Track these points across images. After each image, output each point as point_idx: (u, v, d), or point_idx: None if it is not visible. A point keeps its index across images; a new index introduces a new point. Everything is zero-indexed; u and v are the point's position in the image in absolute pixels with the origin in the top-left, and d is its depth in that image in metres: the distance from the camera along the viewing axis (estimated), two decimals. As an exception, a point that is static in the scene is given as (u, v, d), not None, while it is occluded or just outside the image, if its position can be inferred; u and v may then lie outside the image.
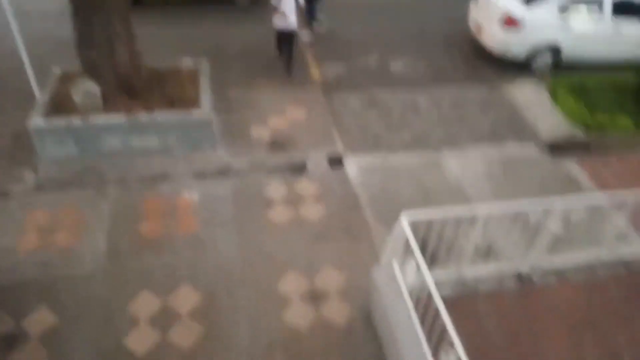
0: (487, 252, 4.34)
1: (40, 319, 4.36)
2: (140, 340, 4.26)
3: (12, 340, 4.21)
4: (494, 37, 8.21)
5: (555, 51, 8.13)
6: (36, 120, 5.64)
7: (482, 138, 6.87)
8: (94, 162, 5.81)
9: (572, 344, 4.15)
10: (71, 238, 5.08)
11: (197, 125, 5.98)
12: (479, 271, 4.50)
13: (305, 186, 5.89)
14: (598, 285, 4.63)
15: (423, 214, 3.89)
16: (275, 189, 5.82)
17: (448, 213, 3.97)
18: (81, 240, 5.07)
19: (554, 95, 7.67)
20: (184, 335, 4.30)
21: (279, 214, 5.52)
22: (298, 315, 4.52)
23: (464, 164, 6.40)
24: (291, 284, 4.79)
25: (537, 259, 4.54)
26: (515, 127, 7.10)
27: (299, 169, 6.10)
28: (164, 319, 4.42)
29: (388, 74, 8.09)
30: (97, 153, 5.84)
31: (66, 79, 6.18)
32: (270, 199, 5.69)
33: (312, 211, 5.58)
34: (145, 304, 4.52)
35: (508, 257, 4.78)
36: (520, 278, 4.61)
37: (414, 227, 3.82)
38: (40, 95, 6.06)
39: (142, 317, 4.42)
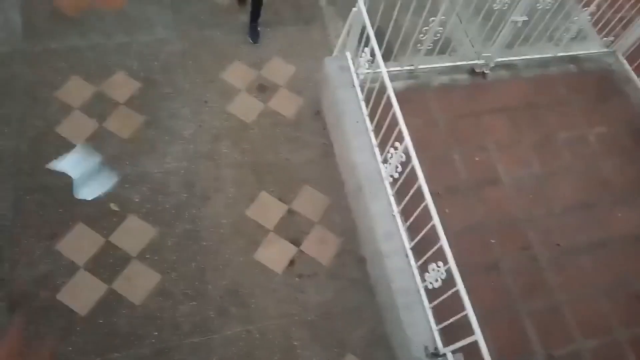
0: (443, 46, 4.10)
1: (-43, 104, 3.97)
2: (73, 128, 4.00)
3: None
4: None
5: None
6: None
7: None
8: None
9: (512, 131, 4.31)
10: (-24, 12, 4.35)
11: None
12: (432, 64, 4.35)
13: (252, -39, 5.11)
14: (547, 81, 4.64)
15: (383, -2, 3.50)
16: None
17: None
18: (-11, 15, 4.36)
19: None
20: (123, 124, 4.08)
21: (223, -8, 4.88)
22: (245, 106, 4.34)
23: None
24: (237, 74, 4.48)
25: (493, 54, 4.39)
26: None
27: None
28: (100, 107, 4.12)
29: None
30: None
31: None
32: (210, -26, 4.94)
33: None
34: (76, 91, 4.15)
35: (464, 51, 4.61)
36: (474, 72, 4.52)
37: (373, 8, 3.47)
38: None
39: (75, 104, 4.09)
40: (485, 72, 4.51)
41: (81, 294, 3.43)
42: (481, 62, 4.46)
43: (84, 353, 3.26)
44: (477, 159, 4.17)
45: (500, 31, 4.20)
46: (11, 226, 3.58)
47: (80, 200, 3.70)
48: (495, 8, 3.98)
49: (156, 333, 3.37)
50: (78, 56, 4.30)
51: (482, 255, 3.77)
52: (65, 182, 3.77)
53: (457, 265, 2.76)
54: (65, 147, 3.90)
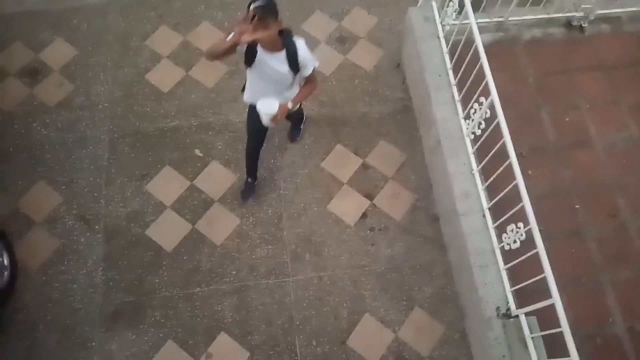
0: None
1: (58, 51, 4.28)
2: (162, 76, 4.20)
3: (35, 72, 4.20)
4: None
5: None
6: None
7: None
8: None
9: (609, 90, 3.98)
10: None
11: None
12: (524, 16, 4.06)
13: None
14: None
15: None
16: None
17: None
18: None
19: None
20: (208, 73, 4.22)
21: (305, -60, 4.78)
22: (324, 58, 4.30)
23: None
24: (317, 25, 4.45)
25: (594, 5, 4.01)
26: None
27: None
28: (186, 56, 4.28)
29: None
30: None
31: None
32: None
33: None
34: (164, 40, 4.32)
35: (560, 2, 4.25)
36: (570, 26, 4.17)
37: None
38: None
39: (163, 53, 4.28)
40: (584, 25, 4.15)
41: (167, 232, 3.69)
42: (580, 14, 4.09)
43: (169, 285, 3.54)
44: (567, 119, 3.90)
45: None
46: (107, 166, 3.88)
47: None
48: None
49: (234, 272, 3.58)
50: (167, 6, 4.45)
51: (565, 220, 3.59)
52: (155, 127, 4.00)
53: (538, 229, 2.65)
54: (155, 94, 4.11)
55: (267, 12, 2.49)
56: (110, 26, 4.37)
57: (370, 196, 3.84)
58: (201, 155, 3.92)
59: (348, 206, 3.81)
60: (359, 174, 3.91)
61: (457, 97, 3.56)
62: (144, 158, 3.90)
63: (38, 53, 4.26)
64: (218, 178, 3.84)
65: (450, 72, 3.64)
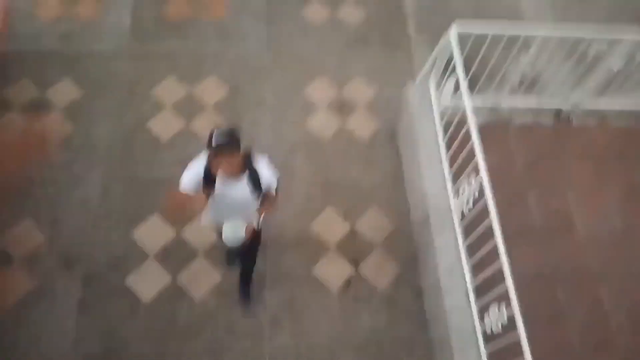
0: (531, 84, 4.00)
1: (64, 91, 4.37)
2: (163, 125, 4.29)
3: (37, 107, 4.28)
4: None
5: None
6: None
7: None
8: None
9: (595, 180, 4.10)
10: (94, 11, 4.78)
11: None
12: (517, 103, 4.24)
13: (347, -16, 5.28)
14: (638, 133, 4.39)
15: (476, 27, 3.47)
16: (314, -17, 5.23)
17: (504, 30, 3.53)
18: (104, 15, 4.78)
19: None
20: (208, 126, 4.28)
21: (316, 12, 5.04)
22: (322, 123, 4.45)
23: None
24: (319, 91, 4.62)
25: (582, 99, 4.22)
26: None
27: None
28: (189, 108, 4.39)
29: None
30: None
31: None
32: (307, -7, 5.16)
33: (352, 13, 5.08)
34: (170, 90, 4.45)
35: (552, 92, 4.46)
36: (559, 116, 4.36)
37: (462, 40, 3.45)
38: None
39: (167, 103, 4.39)
40: (571, 117, 4.34)
41: (147, 282, 3.64)
42: (569, 106, 4.29)
43: (141, 340, 3.44)
44: (553, 203, 4.00)
45: (593, 76, 4.03)
46: (96, 209, 3.87)
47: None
48: (590, 53, 3.83)
49: (210, 331, 3.51)
50: (176, 59, 4.61)
51: (547, 304, 3.59)
52: (149, 175, 4.03)
53: (520, 316, 2.65)
54: (154, 142, 4.18)
55: (233, 147, 2.41)
56: (119, 72, 4.49)
57: (355, 262, 3.83)
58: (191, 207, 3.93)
59: (333, 271, 3.79)
60: (346, 239, 3.93)
61: (447, 174, 3.65)
62: (134, 204, 3.90)
63: (45, 90, 4.35)
64: (205, 232, 3.83)
65: (443, 150, 3.74)
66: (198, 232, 3.82)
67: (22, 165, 3.92)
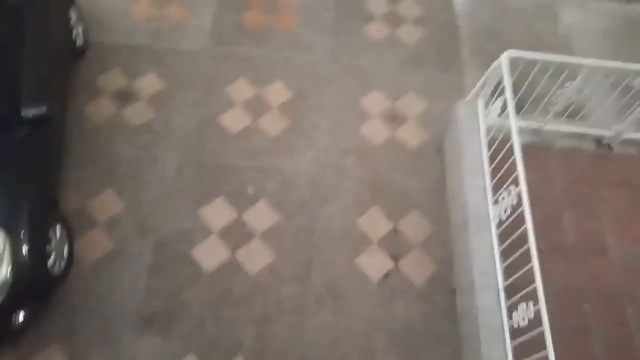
0: (574, 111, 4.27)
1: (150, 82, 4.94)
2: (232, 120, 4.79)
3: (126, 96, 4.86)
4: None
5: None
6: None
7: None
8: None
9: (630, 207, 4.29)
10: (182, 13, 5.39)
11: None
12: (560, 127, 4.51)
13: (409, 6, 5.70)
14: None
15: (527, 54, 3.81)
16: (378, 4, 5.68)
17: (554, 58, 3.85)
18: (190, 17, 5.38)
19: None
20: (272, 124, 4.78)
21: (377, 30, 5.49)
22: (374, 131, 4.85)
23: (583, 16, 5.86)
24: (374, 101, 5.02)
25: (624, 128, 4.45)
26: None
27: (405, -13, 5.83)
28: (256, 107, 4.88)
29: None
30: None
31: None
32: (371, 13, 5.61)
33: (410, 33, 5.50)
34: (241, 89, 4.96)
35: (595, 120, 4.70)
36: (600, 143, 4.59)
37: (513, 64, 3.78)
38: None
39: (238, 101, 4.89)
40: (612, 145, 4.57)
41: (209, 255, 4.09)
42: (610, 134, 4.53)
43: (202, 303, 3.89)
44: (587, 225, 4.22)
45: (635, 108, 4.27)
46: (170, 186, 4.38)
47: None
48: (634, 84, 4.09)
49: (261, 302, 3.92)
50: (250, 62, 5.13)
51: (573, 316, 3.81)
52: (217, 161, 4.52)
53: (545, 308, 2.94)
54: (223, 134, 4.68)
55: None
56: (199, 70, 5.05)
57: (395, 258, 4.18)
58: (252, 193, 4.39)
59: (374, 264, 4.15)
60: (388, 237, 4.29)
61: (488, 185, 3.97)
62: (203, 186, 4.39)
63: (133, 80, 4.94)
64: (263, 215, 4.27)
65: (486, 163, 4.07)
66: (257, 216, 4.27)
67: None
